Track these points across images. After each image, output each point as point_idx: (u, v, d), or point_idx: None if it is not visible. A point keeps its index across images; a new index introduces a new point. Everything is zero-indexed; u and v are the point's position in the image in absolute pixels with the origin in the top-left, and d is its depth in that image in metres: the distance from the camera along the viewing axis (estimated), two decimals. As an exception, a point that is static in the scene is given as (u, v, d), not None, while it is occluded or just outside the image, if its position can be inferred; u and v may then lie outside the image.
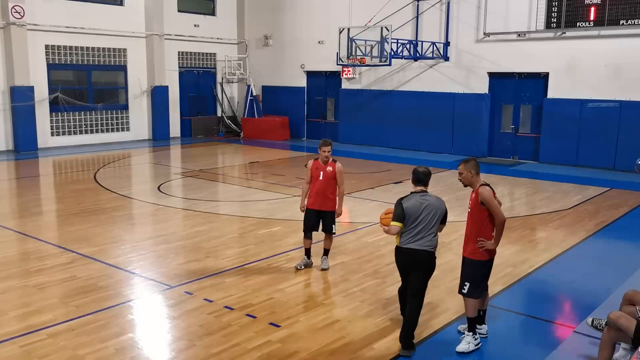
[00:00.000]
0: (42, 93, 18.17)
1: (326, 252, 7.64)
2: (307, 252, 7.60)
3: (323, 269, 7.49)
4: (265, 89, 23.35)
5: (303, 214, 7.54)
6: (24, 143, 17.69)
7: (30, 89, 17.66)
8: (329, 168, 7.26)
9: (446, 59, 18.42)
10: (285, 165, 16.73)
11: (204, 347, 5.39)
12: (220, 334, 5.67)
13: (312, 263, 7.61)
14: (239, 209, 11.17)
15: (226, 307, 6.29)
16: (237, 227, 9.86)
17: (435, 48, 18.25)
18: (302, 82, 22.36)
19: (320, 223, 7.43)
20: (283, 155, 18.60)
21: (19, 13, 17.18)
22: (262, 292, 6.75)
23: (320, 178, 7.26)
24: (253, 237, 9.19)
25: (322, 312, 6.22)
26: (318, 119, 22.28)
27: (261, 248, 8.53)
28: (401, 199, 5.39)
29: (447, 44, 18.36)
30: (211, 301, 6.44)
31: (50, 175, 15.33)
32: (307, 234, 7.49)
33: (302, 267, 7.55)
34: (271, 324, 5.88)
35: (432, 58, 18.40)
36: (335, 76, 21.09)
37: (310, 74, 22.17)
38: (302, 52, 21.90)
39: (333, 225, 7.45)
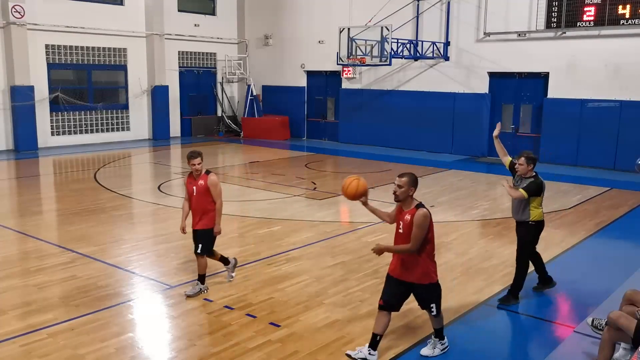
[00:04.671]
0: (42, 92, 18.17)
1: (200, 278, 6.64)
2: (200, 278, 6.66)
3: (187, 295, 6.52)
4: (265, 88, 23.36)
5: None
6: (24, 142, 17.69)
7: (31, 88, 17.66)
8: (201, 182, 6.54)
9: (446, 58, 18.42)
10: (285, 165, 16.73)
11: (204, 347, 5.40)
12: (220, 333, 5.67)
13: (206, 289, 6.65)
14: (239, 208, 11.17)
15: (226, 306, 6.29)
16: (237, 227, 9.86)
17: (435, 48, 18.25)
18: (302, 81, 22.37)
19: None
20: (283, 155, 18.60)
21: (19, 13, 17.18)
22: (261, 292, 6.75)
23: (194, 193, 6.58)
24: (253, 236, 9.19)
25: (322, 311, 6.22)
26: (318, 118, 22.29)
27: (261, 247, 8.53)
28: (541, 180, 6.26)
29: (447, 44, 18.36)
30: (211, 301, 6.44)
31: (51, 174, 15.33)
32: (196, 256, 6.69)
33: (192, 294, 6.53)
34: (271, 323, 5.88)
35: (432, 58, 18.40)
36: (335, 76, 21.09)
37: (311, 74, 22.17)
38: (303, 52, 21.90)
39: (200, 245, 6.55)
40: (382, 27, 16.79)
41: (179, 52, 21.96)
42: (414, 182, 4.94)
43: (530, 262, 6.61)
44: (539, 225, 6.39)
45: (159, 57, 20.95)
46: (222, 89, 23.65)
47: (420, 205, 4.93)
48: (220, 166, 17.03)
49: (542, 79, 16.97)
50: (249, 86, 22.88)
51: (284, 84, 22.74)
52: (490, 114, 17.93)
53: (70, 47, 18.85)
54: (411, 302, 5.32)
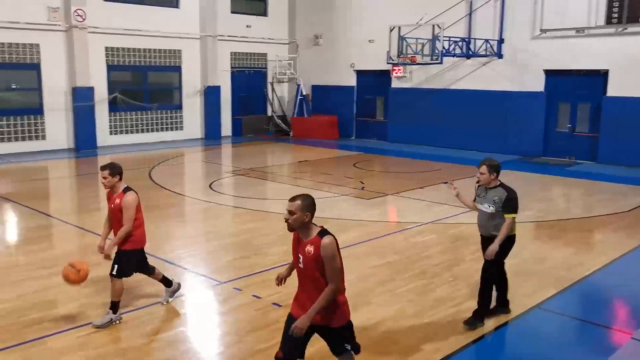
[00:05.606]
0: (101, 93, 18.86)
1: (113, 305, 5.79)
2: (113, 305, 5.84)
3: (95, 325, 5.69)
4: (315, 88, 23.47)
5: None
6: (84, 142, 18.40)
7: (91, 89, 18.37)
8: (117, 200, 5.80)
9: (500, 56, 18.02)
10: (333, 164, 16.76)
11: (251, 343, 5.48)
12: (267, 330, 5.74)
13: (119, 318, 5.83)
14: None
15: (274, 304, 6.36)
16: (284, 226, 9.92)
17: (488, 45, 17.87)
18: (351, 81, 22.36)
19: None
20: (331, 154, 18.65)
21: (80, 16, 17.88)
22: (309, 290, 6.78)
23: (110, 211, 5.93)
24: (301, 235, 9.24)
25: (368, 311, 6.21)
26: (367, 118, 22.22)
27: (309, 246, 8.57)
28: (514, 191, 5.66)
29: (501, 41, 17.95)
30: (259, 297, 6.53)
31: (108, 172, 15.87)
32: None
33: (101, 325, 5.71)
34: (318, 321, 5.90)
35: (485, 56, 18.03)
36: (385, 75, 20.97)
37: (360, 73, 22.13)
38: (352, 51, 21.89)
39: (115, 266, 5.79)
40: (433, 25, 16.58)
41: (231, 53, 22.35)
42: (308, 206, 4.03)
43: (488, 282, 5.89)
44: (512, 239, 5.77)
45: (212, 58, 21.39)
46: (272, 89, 23.91)
47: (323, 231, 4.01)
48: (269, 165, 17.23)
49: (601, 76, 16.34)
50: (298, 86, 23.05)
51: (333, 84, 22.79)
52: (545, 113, 17.43)
53: (128, 49, 19.48)
54: (461, 303, 5.23)
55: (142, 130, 20.37)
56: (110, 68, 19.22)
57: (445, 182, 6.09)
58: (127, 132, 19.98)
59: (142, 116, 20.29)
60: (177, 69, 20.98)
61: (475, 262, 6.78)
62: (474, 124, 18.65)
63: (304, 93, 23.08)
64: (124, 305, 6.13)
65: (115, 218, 5.86)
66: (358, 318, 6.01)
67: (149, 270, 6.20)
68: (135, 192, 5.90)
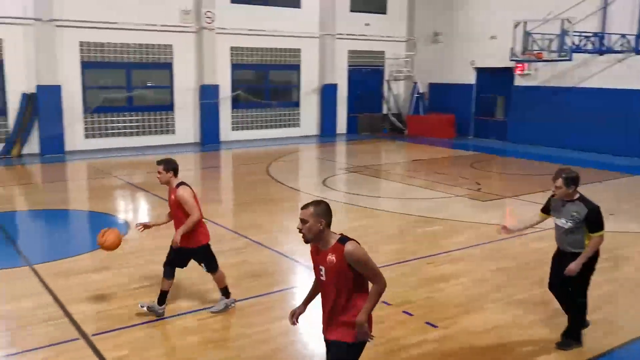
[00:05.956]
0: (225, 91, 19.87)
1: (222, 292, 6.12)
2: (223, 291, 6.11)
3: (212, 312, 6.04)
4: (432, 86, 23.05)
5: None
6: (209, 136, 19.50)
7: (216, 87, 19.42)
8: (172, 195, 5.80)
9: (638, 52, 16.56)
10: (449, 164, 16.37)
11: (360, 339, 5.51)
12: (376, 327, 5.66)
13: (233, 302, 6.14)
14: (400, 206, 11.19)
15: (383, 302, 6.34)
16: (397, 224, 9.89)
17: (625, 40, 16.50)
18: (470, 79, 21.68)
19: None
20: (447, 153, 18.22)
21: (210, 18, 18.95)
22: (420, 290, 6.71)
23: (170, 207, 5.95)
24: (412, 234, 9.15)
25: (482, 316, 6.01)
26: (486, 116, 21.44)
27: (420, 246, 8.47)
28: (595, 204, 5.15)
29: (639, 36, 16.50)
30: (369, 295, 6.55)
31: (229, 166, 16.74)
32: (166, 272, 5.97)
33: (217, 310, 6.07)
34: (428, 323, 5.83)
35: (621, 52, 16.66)
36: (507, 72, 20.08)
37: (480, 71, 21.39)
38: (473, 48, 21.21)
39: (203, 265, 6.01)
40: (562, 20, 15.61)
41: (348, 51, 22.56)
42: (322, 213, 3.64)
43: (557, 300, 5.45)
44: (596, 255, 5.18)
45: (330, 57, 21.74)
46: (389, 87, 23.82)
47: (344, 238, 3.66)
48: (383, 163, 17.19)
49: None
50: (415, 84, 22.78)
51: (451, 82, 22.24)
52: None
53: (251, 48, 20.33)
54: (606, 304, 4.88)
55: (262, 127, 21.19)
56: (235, 67, 20.17)
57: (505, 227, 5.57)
58: (247, 128, 20.88)
59: (261, 113, 21.11)
60: (296, 67, 21.56)
61: (601, 273, 6.30)
62: (605, 124, 17.31)
63: (421, 91, 22.76)
64: (235, 294, 6.43)
65: (173, 213, 5.91)
66: (471, 323, 5.85)
67: (175, 268, 6.01)
68: (189, 186, 5.87)
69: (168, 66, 18.84)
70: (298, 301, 6.50)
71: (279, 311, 6.15)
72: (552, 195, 5.33)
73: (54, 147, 16.67)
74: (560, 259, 5.30)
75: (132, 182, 13.36)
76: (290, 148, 19.18)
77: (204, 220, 6.02)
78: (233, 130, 20.52)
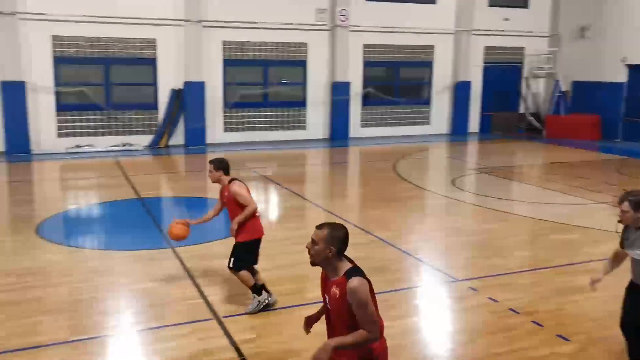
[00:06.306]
0: (356, 88, 20.08)
1: (253, 289, 5.97)
2: (254, 290, 6.00)
3: (247, 312, 5.96)
4: (575, 84, 21.48)
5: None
6: (338, 132, 19.84)
7: (347, 84, 19.71)
8: (226, 192, 5.92)
9: None
10: (592, 168, 15.18)
11: (484, 345, 5.33)
12: (502, 335, 5.52)
13: (265, 299, 6.02)
14: (533, 210, 10.59)
15: (511, 309, 6.08)
16: (529, 229, 9.39)
17: None
18: (621, 77, 19.89)
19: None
20: (590, 157, 16.91)
21: (344, 16, 19.25)
22: (551, 301, 6.32)
23: (226, 205, 6.03)
24: (546, 241, 8.63)
25: (620, 334, 5.51)
26: (638, 118, 19.55)
27: (554, 254, 7.97)
28: None
29: None
30: (496, 301, 6.30)
31: (357, 163, 16.92)
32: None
33: (251, 311, 5.99)
34: (559, 335, 5.48)
35: None
36: (665, 69, 18.18)
37: (633, 68, 19.55)
38: (624, 44, 19.43)
39: (232, 259, 5.89)
40: None
41: (484, 47, 21.74)
42: (336, 240, 3.31)
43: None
44: None
45: (465, 53, 21.10)
46: (527, 85, 22.60)
47: (352, 271, 3.30)
48: (517, 164, 16.39)
49: None
50: (557, 82, 21.38)
51: (598, 80, 20.56)
52: None
53: (383, 45, 20.32)
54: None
55: (391, 124, 21.13)
56: (366, 64, 20.31)
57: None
58: (376, 125, 20.93)
59: (391, 110, 21.05)
60: (429, 64, 21.19)
61: None
62: None
63: (563, 89, 21.31)
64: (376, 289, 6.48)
65: (230, 210, 5.95)
66: (610, 340, 5.41)
67: (250, 265, 6.03)
68: (241, 181, 5.97)
69: (302, 63, 19.42)
70: (420, 300, 6.46)
71: (401, 310, 6.12)
72: (619, 221, 4.61)
73: (196, 139, 17.94)
74: (633, 294, 4.68)
75: (265, 174, 14.00)
76: (420, 146, 18.93)
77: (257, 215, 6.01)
78: (362, 127, 20.69)
